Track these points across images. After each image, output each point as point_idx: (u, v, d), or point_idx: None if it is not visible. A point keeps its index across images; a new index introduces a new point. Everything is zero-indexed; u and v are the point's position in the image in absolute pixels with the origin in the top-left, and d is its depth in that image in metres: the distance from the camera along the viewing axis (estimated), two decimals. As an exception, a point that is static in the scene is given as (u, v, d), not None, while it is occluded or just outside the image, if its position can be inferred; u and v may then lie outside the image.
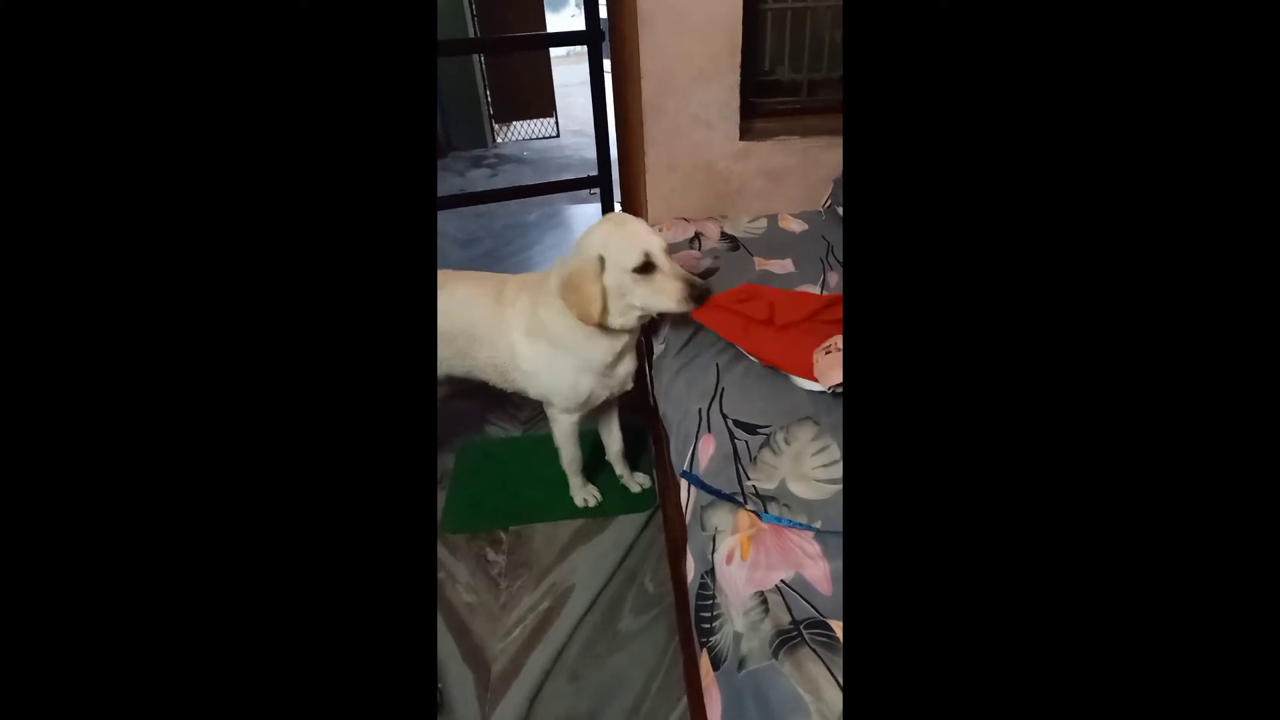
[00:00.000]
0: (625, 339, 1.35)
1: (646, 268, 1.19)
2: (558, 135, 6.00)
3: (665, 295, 1.21)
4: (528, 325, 1.40)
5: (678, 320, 1.45)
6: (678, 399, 1.23)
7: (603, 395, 1.47)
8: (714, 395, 1.17)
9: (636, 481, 1.76)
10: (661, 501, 1.66)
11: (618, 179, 2.26)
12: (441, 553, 1.59)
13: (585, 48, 1.95)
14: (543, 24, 5.66)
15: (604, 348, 1.34)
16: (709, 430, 1.10)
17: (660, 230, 1.82)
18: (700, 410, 1.14)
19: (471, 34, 5.12)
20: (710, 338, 1.32)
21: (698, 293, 1.20)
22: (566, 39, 2.19)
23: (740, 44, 1.70)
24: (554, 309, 1.31)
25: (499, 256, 3.54)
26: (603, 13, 2.00)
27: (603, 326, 1.27)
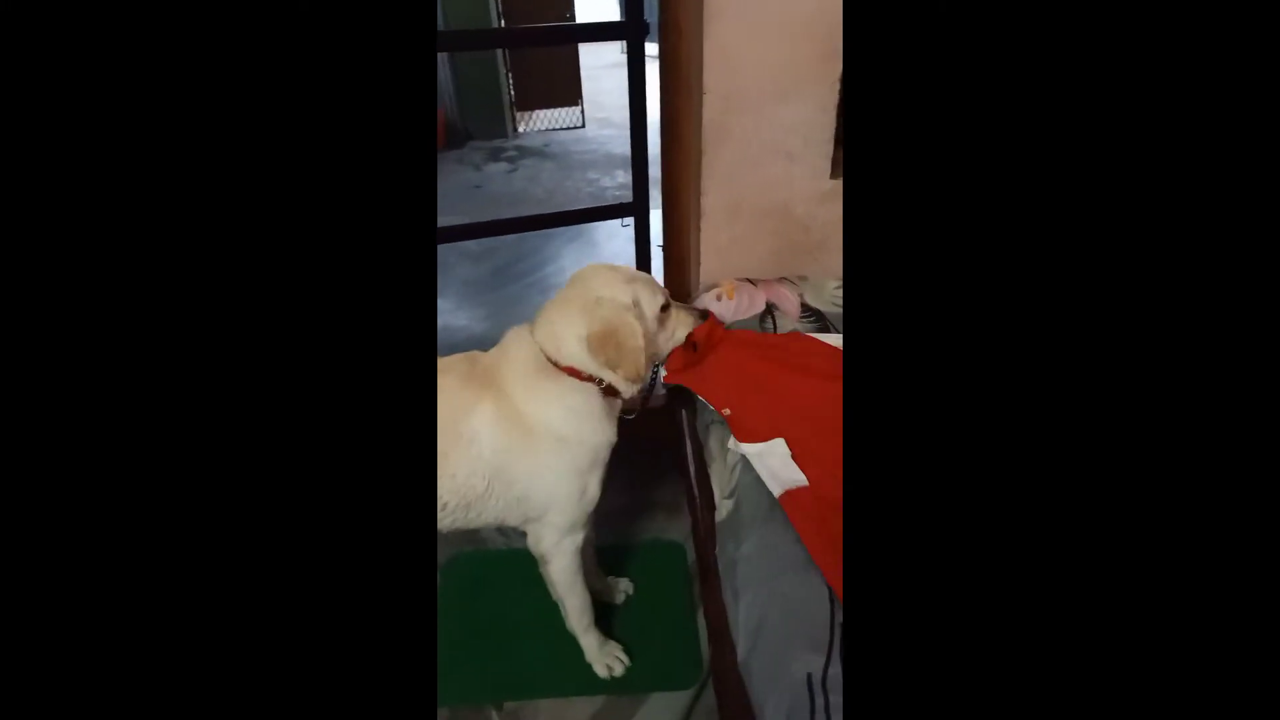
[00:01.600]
0: (618, 406, 1.11)
1: (666, 306, 1.08)
2: (583, 125, 5.59)
3: (681, 329, 1.12)
4: (506, 436, 1.00)
5: (750, 491, 1.00)
6: (765, 642, 0.76)
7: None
8: (830, 643, 0.71)
9: (620, 589, 1.42)
10: (715, 672, 1.21)
11: (660, 211, 1.79)
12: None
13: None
14: (571, 7, 5.19)
15: (610, 425, 1.08)
16: (829, 733, 0.65)
17: (718, 297, 1.36)
18: (810, 680, 0.69)
19: (495, 22, 4.90)
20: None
21: (700, 313, 1.15)
22: (598, 32, 1.71)
23: (844, 46, 1.22)
24: (546, 393, 1.01)
25: (512, 275, 3.12)
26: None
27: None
